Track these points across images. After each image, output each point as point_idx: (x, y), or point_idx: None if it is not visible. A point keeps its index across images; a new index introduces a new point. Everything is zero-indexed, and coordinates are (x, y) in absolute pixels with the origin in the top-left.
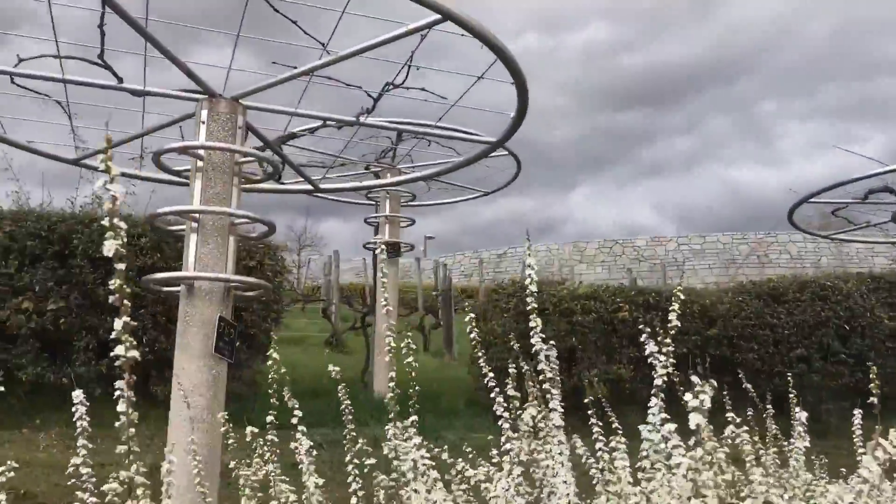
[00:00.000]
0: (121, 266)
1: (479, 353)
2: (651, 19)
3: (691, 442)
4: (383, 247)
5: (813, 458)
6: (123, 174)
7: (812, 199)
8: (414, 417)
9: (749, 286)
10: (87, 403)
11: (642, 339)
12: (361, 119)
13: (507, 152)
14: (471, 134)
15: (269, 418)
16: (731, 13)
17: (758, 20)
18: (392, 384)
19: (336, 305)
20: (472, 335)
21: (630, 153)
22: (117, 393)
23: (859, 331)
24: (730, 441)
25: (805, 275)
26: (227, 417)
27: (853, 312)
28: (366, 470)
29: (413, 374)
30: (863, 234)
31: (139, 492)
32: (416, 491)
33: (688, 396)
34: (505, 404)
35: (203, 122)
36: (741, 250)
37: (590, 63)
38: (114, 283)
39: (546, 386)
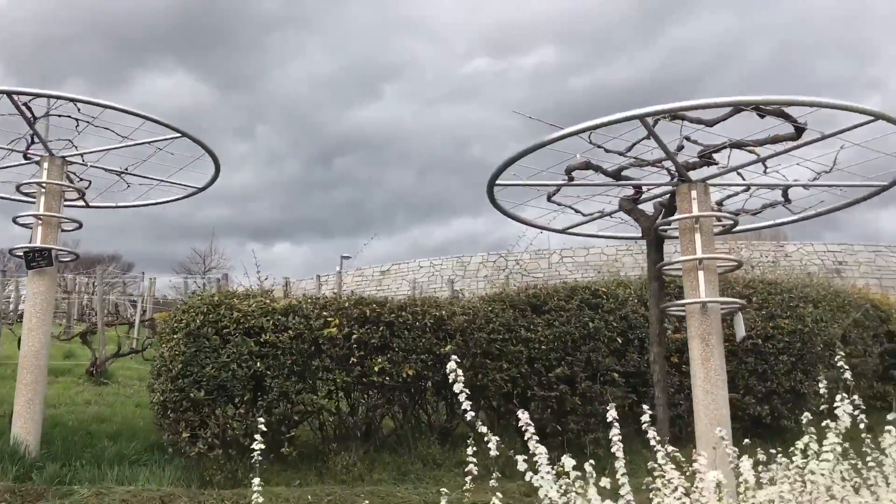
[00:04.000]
0: None
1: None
2: (598, 42)
3: None
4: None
5: None
6: None
7: (502, 182)
8: None
9: (507, 294)
10: None
11: (352, 361)
12: None
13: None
14: None
15: None
16: (676, 36)
17: (701, 43)
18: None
19: (101, 329)
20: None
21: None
22: None
23: (636, 344)
24: None
25: (576, 281)
26: None
27: (630, 323)
28: None
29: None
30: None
31: None
32: None
33: None
34: None
35: None
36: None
37: (539, 85)
38: None
39: None
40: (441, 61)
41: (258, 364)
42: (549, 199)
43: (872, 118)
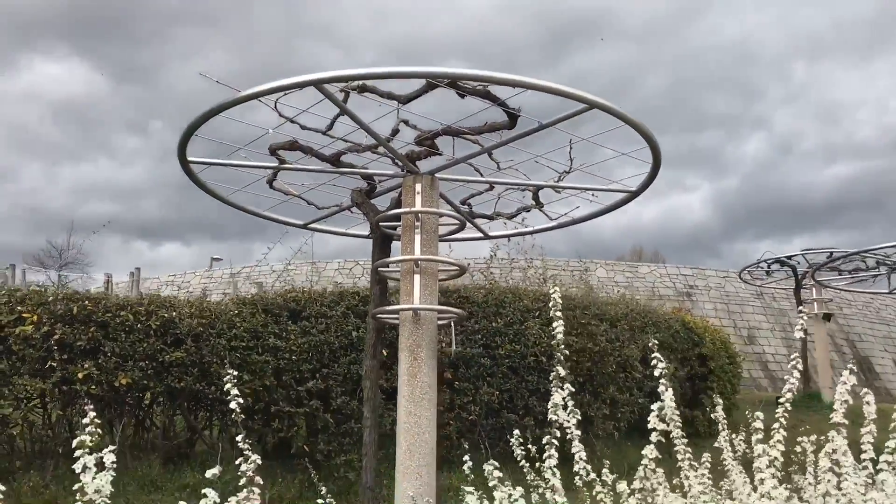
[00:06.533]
0: None
1: None
2: (504, 62)
3: None
4: None
5: None
6: None
7: (202, 160)
8: None
9: (262, 297)
10: None
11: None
12: None
13: None
14: None
15: None
16: (579, 62)
17: (602, 70)
18: None
19: None
20: None
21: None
22: None
23: None
24: None
25: (344, 286)
26: None
27: None
28: None
29: None
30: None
31: None
32: None
33: None
34: None
35: None
36: None
37: (444, 100)
38: None
39: None
40: (348, 68)
41: None
42: (270, 185)
43: (587, 106)
